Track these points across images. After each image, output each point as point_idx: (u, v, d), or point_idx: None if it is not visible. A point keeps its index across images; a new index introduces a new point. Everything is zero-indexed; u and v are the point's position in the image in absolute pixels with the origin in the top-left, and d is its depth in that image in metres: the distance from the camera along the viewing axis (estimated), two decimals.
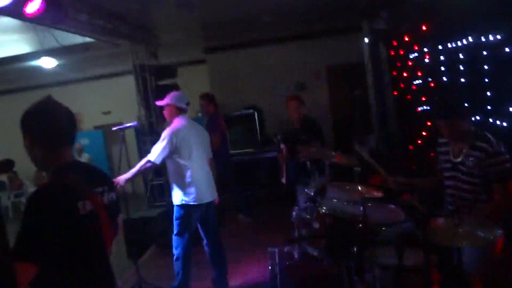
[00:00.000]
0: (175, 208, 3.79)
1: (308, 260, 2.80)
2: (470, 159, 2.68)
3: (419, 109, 5.57)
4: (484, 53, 3.57)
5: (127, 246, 4.85)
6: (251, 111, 7.35)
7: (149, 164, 3.65)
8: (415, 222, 2.28)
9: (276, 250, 2.95)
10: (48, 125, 1.70)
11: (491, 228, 2.21)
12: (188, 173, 3.67)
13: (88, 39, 6.12)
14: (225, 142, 6.03)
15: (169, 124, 3.83)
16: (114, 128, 4.01)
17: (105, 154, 9.76)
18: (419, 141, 5.66)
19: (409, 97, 6.05)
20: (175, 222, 3.79)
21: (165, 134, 3.67)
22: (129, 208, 4.54)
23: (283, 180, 4.25)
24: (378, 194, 2.50)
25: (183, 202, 3.70)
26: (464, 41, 3.89)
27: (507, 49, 3.08)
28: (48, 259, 1.49)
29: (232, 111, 7.67)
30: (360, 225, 2.51)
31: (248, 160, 6.90)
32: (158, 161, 3.61)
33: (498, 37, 3.03)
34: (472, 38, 3.75)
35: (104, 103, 10.21)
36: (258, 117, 7.27)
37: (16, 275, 1.35)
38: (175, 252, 3.77)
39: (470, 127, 2.79)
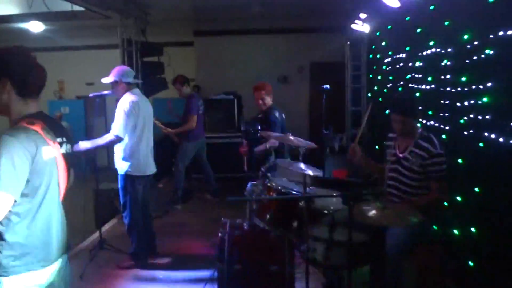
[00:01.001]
0: (120, 178, 3.90)
1: (255, 231, 3.06)
2: (413, 156, 2.97)
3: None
4: (448, 62, 3.85)
5: (95, 213, 5.07)
6: (231, 96, 7.54)
7: (115, 139, 3.73)
8: (344, 199, 2.54)
9: (228, 221, 3.19)
10: (30, 70, 1.78)
11: (413, 214, 2.49)
12: (140, 146, 3.82)
13: (78, 8, 6.22)
14: (201, 123, 6.21)
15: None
16: (90, 95, 4.15)
17: (85, 125, 9.83)
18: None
19: (380, 99, 6.34)
20: (121, 192, 3.92)
21: (123, 108, 3.72)
22: (99, 179, 4.72)
23: (245, 168, 4.44)
24: (317, 173, 2.76)
25: (129, 172, 3.83)
26: (429, 51, 4.16)
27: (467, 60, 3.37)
28: (19, 194, 1.67)
29: (212, 95, 7.86)
30: (301, 203, 2.76)
31: (222, 143, 7.11)
32: (123, 136, 3.72)
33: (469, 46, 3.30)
34: (436, 47, 4.03)
35: (88, 74, 10.24)
36: (237, 104, 7.46)
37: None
38: (125, 221, 3.96)
39: (418, 128, 3.07)
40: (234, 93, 7.65)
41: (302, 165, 2.78)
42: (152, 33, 7.57)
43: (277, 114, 4.39)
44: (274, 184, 2.89)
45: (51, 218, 1.83)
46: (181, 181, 5.95)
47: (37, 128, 1.77)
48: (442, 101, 3.84)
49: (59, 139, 1.88)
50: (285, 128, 4.37)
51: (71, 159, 1.97)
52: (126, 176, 3.85)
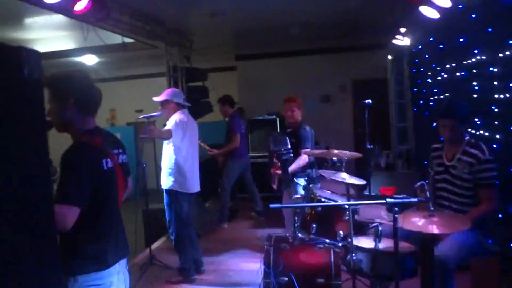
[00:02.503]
0: (165, 194, 4.03)
1: (301, 244, 3.06)
2: (461, 163, 2.90)
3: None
4: (494, 69, 3.75)
5: (145, 232, 5.25)
6: (273, 116, 7.65)
7: (168, 131, 3.88)
8: (388, 208, 2.51)
9: (273, 235, 3.21)
10: (90, 90, 2.00)
11: (463, 223, 2.42)
12: (185, 163, 3.95)
13: (127, 40, 6.64)
14: (245, 142, 6.33)
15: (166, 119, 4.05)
16: (140, 116, 4.38)
17: (134, 148, 10.31)
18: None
19: (427, 113, 6.20)
20: (166, 209, 4.04)
21: (172, 123, 3.89)
22: (149, 200, 4.92)
23: (274, 186, 4.27)
24: (361, 182, 2.74)
25: (173, 188, 3.94)
26: (474, 59, 4.07)
27: None
28: (86, 204, 1.82)
29: (255, 116, 8.00)
30: (346, 215, 2.75)
31: (267, 163, 7.17)
32: (172, 135, 3.85)
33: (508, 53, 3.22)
34: (481, 55, 3.94)
35: (137, 102, 10.76)
36: (279, 123, 7.55)
37: (65, 217, 1.73)
38: (171, 237, 4.07)
39: (465, 135, 3.00)
40: (276, 113, 7.75)
41: (345, 174, 2.78)
42: (196, 60, 7.90)
43: (307, 128, 4.35)
44: (317, 195, 2.90)
45: (110, 224, 1.97)
46: (227, 200, 6.04)
47: (96, 142, 1.94)
48: (491, 108, 3.72)
49: (115, 151, 2.04)
50: (314, 144, 4.33)
51: (127, 167, 2.13)
52: (171, 192, 3.98)
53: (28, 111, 1.23)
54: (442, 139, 3.22)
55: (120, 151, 2.10)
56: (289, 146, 3.95)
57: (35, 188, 1.24)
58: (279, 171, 4.03)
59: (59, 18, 5.37)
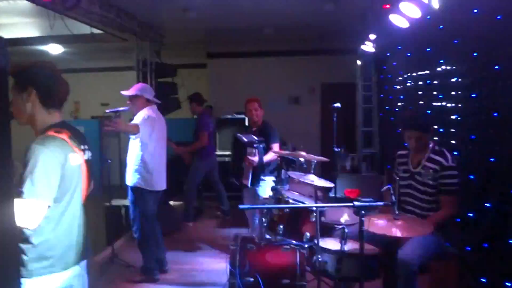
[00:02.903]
0: (129, 191, 3.93)
1: (267, 244, 3.07)
2: (425, 170, 2.99)
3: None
4: (459, 80, 3.90)
5: (107, 229, 5.12)
6: (242, 116, 7.64)
7: (135, 128, 3.76)
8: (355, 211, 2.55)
9: (239, 235, 3.21)
10: (56, 82, 1.89)
11: (426, 227, 2.49)
12: (152, 160, 3.86)
13: (96, 31, 6.44)
14: (213, 141, 6.29)
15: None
16: (107, 110, 4.26)
17: (99, 144, 10.02)
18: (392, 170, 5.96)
19: (392, 119, 6.37)
20: (131, 206, 3.95)
21: (140, 118, 3.79)
22: (112, 196, 4.80)
23: (246, 183, 4.19)
24: (329, 184, 2.78)
25: (138, 185, 3.86)
26: (439, 68, 4.22)
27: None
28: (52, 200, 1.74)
29: (224, 114, 7.97)
30: (312, 216, 2.78)
31: (232, 161, 7.15)
32: (139, 131, 3.73)
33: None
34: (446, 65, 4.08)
35: (103, 95, 10.47)
36: (248, 122, 7.54)
37: (33, 213, 1.64)
38: (135, 236, 3.99)
39: (430, 143, 3.10)
40: (244, 113, 7.75)
41: (313, 177, 2.81)
42: (167, 56, 7.78)
43: (271, 125, 4.47)
44: (286, 196, 2.91)
45: (74, 222, 1.90)
46: (192, 199, 5.99)
47: (64, 136, 1.86)
48: (453, 117, 3.86)
49: (82, 147, 1.97)
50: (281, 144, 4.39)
51: (91, 164, 2.05)
52: (136, 189, 3.89)
53: None
54: (406, 145, 3.31)
55: (86, 147, 2.03)
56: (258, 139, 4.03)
57: None
58: (255, 158, 3.99)
59: (23, 3, 5.14)
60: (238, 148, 4.23)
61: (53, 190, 1.75)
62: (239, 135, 4.15)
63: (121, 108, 4.11)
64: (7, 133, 1.23)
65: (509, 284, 2.84)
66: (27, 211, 1.65)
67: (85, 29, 6.11)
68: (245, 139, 3.93)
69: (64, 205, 1.84)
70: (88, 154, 2.02)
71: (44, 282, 1.77)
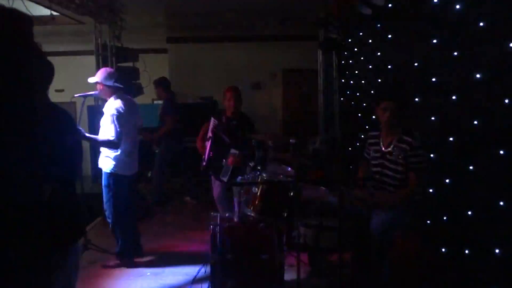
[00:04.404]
0: (104, 175, 3.92)
1: (246, 222, 3.19)
2: (396, 149, 3.19)
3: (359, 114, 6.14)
4: (416, 64, 4.15)
5: None
6: (207, 101, 7.66)
7: (113, 141, 3.72)
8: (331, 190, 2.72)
9: (218, 215, 3.30)
10: (42, 64, 1.86)
11: (395, 201, 2.70)
12: (125, 145, 3.84)
13: (54, 13, 6.20)
14: (178, 127, 6.28)
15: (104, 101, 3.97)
16: (76, 95, 4.18)
17: None
18: (358, 143, 6.23)
19: (353, 103, 6.63)
20: (104, 191, 3.94)
21: (110, 114, 3.77)
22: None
23: (225, 179, 4.05)
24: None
25: (113, 171, 3.85)
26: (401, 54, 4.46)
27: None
28: None
29: (188, 99, 7.95)
30: (291, 193, 2.92)
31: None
32: (117, 140, 3.73)
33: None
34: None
35: (58, 81, 10.02)
36: (213, 108, 7.58)
37: None
38: (109, 221, 3.98)
39: (400, 125, 3.29)
40: (210, 98, 7.78)
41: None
42: (127, 40, 7.60)
43: (250, 121, 4.44)
44: (264, 175, 3.03)
45: None
46: (160, 183, 5.99)
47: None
48: (416, 100, 4.11)
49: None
50: None
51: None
52: (111, 174, 3.88)
53: None
54: (373, 130, 3.49)
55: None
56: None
57: None
58: (238, 159, 3.98)
59: None
60: (218, 144, 4.16)
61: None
62: (219, 132, 4.15)
63: (91, 93, 4.06)
64: None
65: (467, 251, 3.14)
66: None
67: (45, 11, 5.87)
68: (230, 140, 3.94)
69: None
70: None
71: None
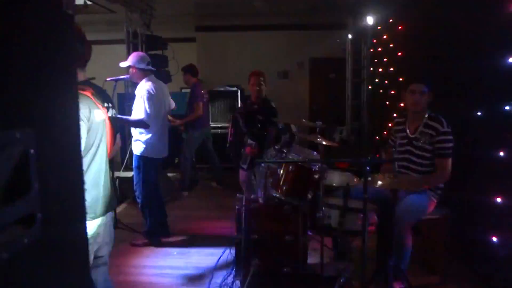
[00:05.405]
0: (135, 158, 4.05)
1: (271, 204, 3.23)
2: (422, 135, 3.16)
3: (388, 103, 6.05)
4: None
5: None
6: (234, 88, 7.72)
7: (143, 120, 3.81)
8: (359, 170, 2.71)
9: (243, 196, 3.35)
10: (82, 43, 1.99)
11: (419, 184, 2.68)
12: (156, 128, 3.94)
13: (87, 2, 6.38)
14: (207, 112, 6.37)
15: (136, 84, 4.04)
16: (108, 79, 4.30)
17: None
18: (385, 132, 6.16)
19: (381, 91, 6.55)
20: (135, 172, 4.07)
21: (141, 95, 3.85)
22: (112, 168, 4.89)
23: (245, 167, 3.96)
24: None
25: (143, 153, 3.96)
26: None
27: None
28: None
29: (216, 87, 8.03)
30: (317, 176, 2.94)
31: (226, 133, 7.25)
32: (147, 120, 3.83)
33: None
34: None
35: (90, 69, 10.32)
36: (240, 95, 7.64)
37: None
38: (138, 200, 4.11)
39: (427, 110, 3.24)
40: (237, 86, 7.83)
41: (319, 137, 2.97)
42: (157, 29, 7.73)
43: (272, 103, 4.36)
44: (290, 157, 3.06)
45: (100, 174, 2.01)
46: (188, 168, 6.10)
47: (87, 93, 1.96)
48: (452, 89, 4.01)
49: (106, 104, 2.06)
50: None
51: (116, 122, 2.15)
52: (141, 157, 4.00)
53: None
54: (400, 117, 3.45)
55: (110, 105, 2.13)
56: (258, 126, 4.03)
57: None
58: (255, 150, 3.83)
59: None
60: (237, 129, 4.16)
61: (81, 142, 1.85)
62: (238, 113, 4.16)
63: (122, 77, 4.18)
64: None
65: (495, 239, 3.09)
66: None
67: (78, 0, 6.05)
68: (244, 128, 3.91)
69: (90, 157, 1.94)
70: (112, 112, 2.12)
71: None
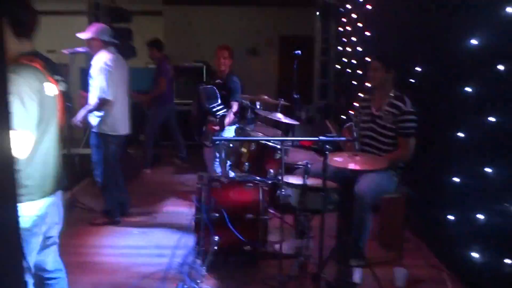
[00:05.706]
0: (92, 135, 3.90)
1: (232, 183, 3.18)
2: (386, 113, 3.17)
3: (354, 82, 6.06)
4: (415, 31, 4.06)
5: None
6: (200, 64, 7.55)
7: (101, 101, 3.68)
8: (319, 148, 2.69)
9: (205, 175, 3.29)
10: (22, 10, 1.81)
11: (381, 163, 2.69)
12: (115, 104, 3.79)
13: None
14: (171, 88, 6.21)
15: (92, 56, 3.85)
16: (64, 51, 4.09)
17: None
18: (351, 112, 6.19)
19: (349, 71, 6.54)
20: (93, 150, 3.92)
21: (99, 67, 3.69)
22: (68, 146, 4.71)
23: (207, 143, 4.07)
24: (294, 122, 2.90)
25: (102, 131, 3.82)
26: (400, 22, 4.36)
27: None
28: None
29: (182, 63, 7.83)
30: (278, 154, 2.91)
31: (190, 110, 7.10)
32: (108, 96, 3.69)
33: None
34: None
35: (50, 41, 9.86)
36: (206, 71, 7.48)
37: (22, 144, 1.62)
38: (98, 179, 3.98)
39: (391, 88, 3.25)
40: (203, 62, 7.66)
41: (280, 115, 2.92)
42: (121, 1, 7.41)
43: (236, 79, 4.30)
44: (253, 134, 3.01)
45: (50, 152, 1.90)
46: (150, 145, 5.97)
47: (37, 65, 1.81)
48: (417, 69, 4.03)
49: (56, 77, 1.93)
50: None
51: (66, 95, 2.03)
52: (100, 134, 3.84)
53: None
54: (366, 95, 3.44)
55: (61, 78, 1.99)
56: (219, 101, 3.96)
57: None
58: (217, 127, 3.89)
59: None
60: (200, 105, 4.09)
61: (32, 120, 1.73)
62: (202, 89, 4.09)
63: (79, 49, 3.98)
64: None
65: (452, 217, 3.16)
66: (17, 143, 1.64)
67: None
68: (207, 105, 3.82)
69: (39, 134, 1.82)
70: (63, 85, 1.99)
71: (21, 209, 1.77)
